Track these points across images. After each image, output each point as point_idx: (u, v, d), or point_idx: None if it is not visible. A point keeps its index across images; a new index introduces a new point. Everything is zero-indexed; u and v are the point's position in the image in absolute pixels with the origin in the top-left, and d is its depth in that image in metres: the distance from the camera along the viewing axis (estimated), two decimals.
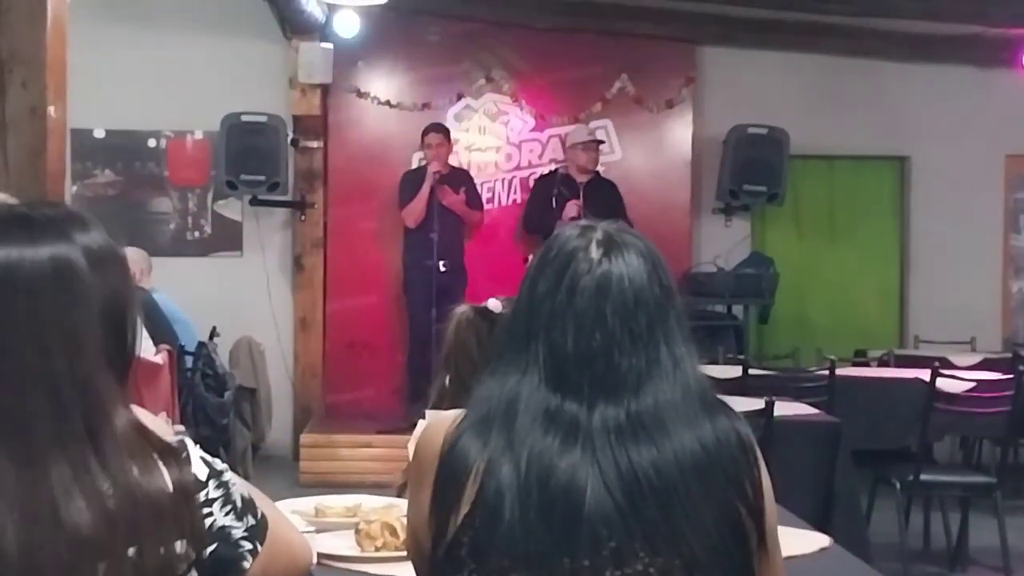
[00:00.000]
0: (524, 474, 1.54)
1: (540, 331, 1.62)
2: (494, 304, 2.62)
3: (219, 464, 1.48)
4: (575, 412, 1.58)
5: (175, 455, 1.44)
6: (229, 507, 1.46)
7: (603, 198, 7.95)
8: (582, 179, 8.11)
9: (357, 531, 2.31)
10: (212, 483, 1.45)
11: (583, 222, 1.72)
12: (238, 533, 1.46)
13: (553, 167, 8.48)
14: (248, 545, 1.47)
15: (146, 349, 5.82)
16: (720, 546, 1.57)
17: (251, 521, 1.48)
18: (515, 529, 1.53)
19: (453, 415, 1.66)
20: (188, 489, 1.42)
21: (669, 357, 1.62)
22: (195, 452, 1.46)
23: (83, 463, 1.36)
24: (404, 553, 1.90)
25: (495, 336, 2.53)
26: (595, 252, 1.65)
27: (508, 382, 1.62)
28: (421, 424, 2.38)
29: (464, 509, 1.55)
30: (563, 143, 8.54)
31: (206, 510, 1.43)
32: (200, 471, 1.45)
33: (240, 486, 1.49)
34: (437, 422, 1.69)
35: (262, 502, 1.54)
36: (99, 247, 1.47)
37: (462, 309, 2.69)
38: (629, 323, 1.61)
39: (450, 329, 2.68)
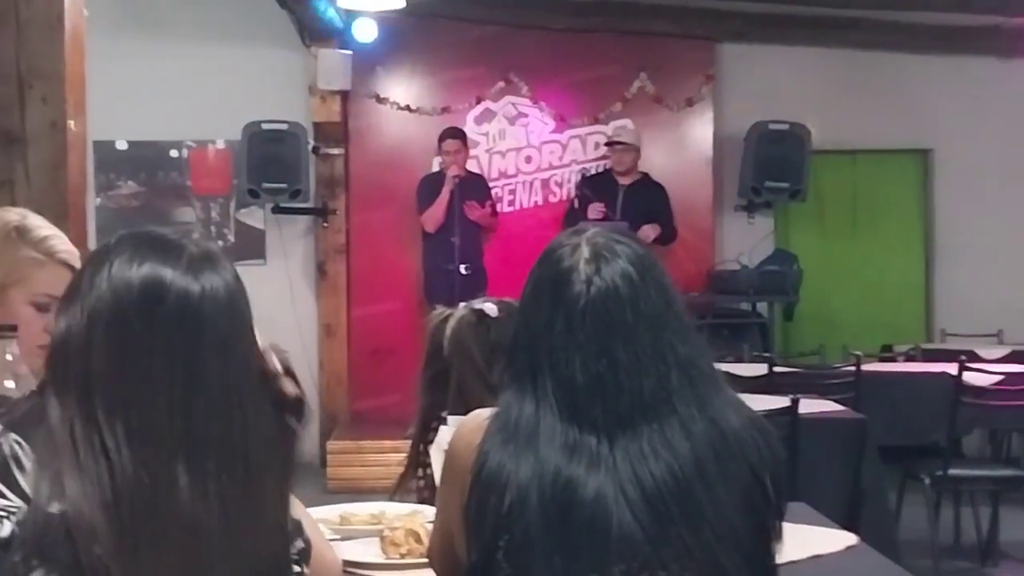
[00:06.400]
0: (550, 504, 1.53)
1: (544, 365, 1.60)
2: (491, 308, 2.60)
3: None
4: (595, 446, 1.56)
5: None
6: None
7: (642, 201, 7.94)
8: (624, 181, 8.11)
9: (382, 538, 2.31)
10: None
11: (571, 236, 1.69)
12: (292, 558, 1.46)
13: (575, 168, 8.52)
14: (297, 569, 1.47)
15: None
16: (750, 551, 1.57)
17: (300, 544, 1.47)
18: (544, 561, 1.53)
19: (479, 421, 1.66)
20: None
21: (676, 364, 1.60)
22: None
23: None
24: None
25: (493, 344, 2.52)
26: (585, 270, 1.62)
27: (526, 409, 1.60)
28: (444, 430, 2.38)
29: (500, 514, 1.56)
30: (583, 144, 8.56)
31: None
32: None
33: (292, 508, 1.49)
34: (467, 430, 1.69)
35: (304, 518, 1.54)
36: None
37: (460, 312, 2.66)
38: (632, 343, 1.59)
39: (449, 330, 2.65)
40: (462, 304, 2.72)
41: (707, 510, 1.54)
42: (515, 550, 1.54)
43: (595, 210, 7.84)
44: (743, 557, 1.56)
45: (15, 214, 2.35)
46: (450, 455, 1.70)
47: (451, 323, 2.66)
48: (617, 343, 1.59)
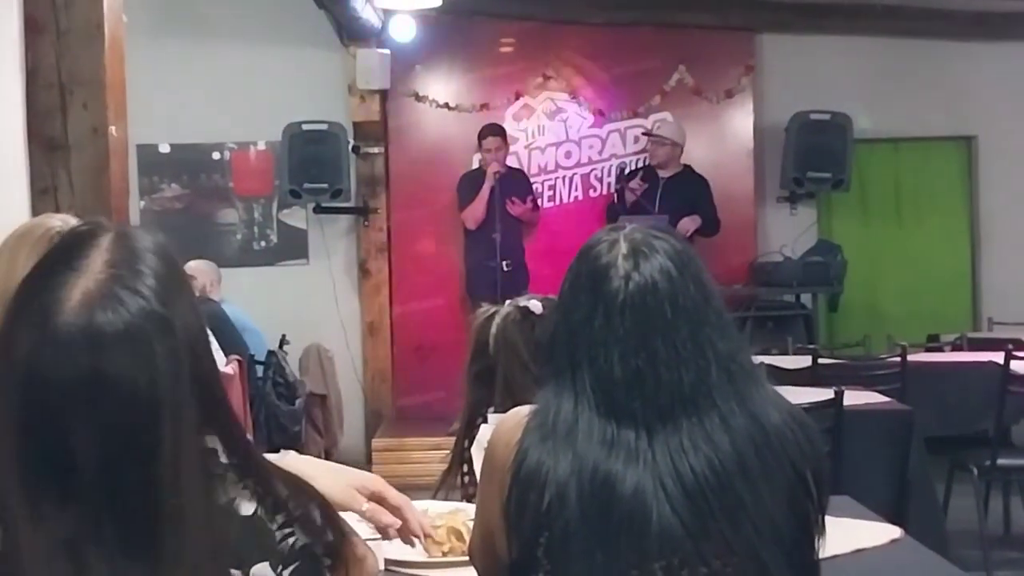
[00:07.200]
0: (589, 500, 1.54)
1: (583, 360, 1.60)
2: (535, 305, 2.64)
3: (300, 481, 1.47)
4: (633, 440, 1.56)
5: None
6: (310, 524, 1.44)
7: (683, 194, 7.94)
8: (664, 174, 8.10)
9: (424, 536, 2.32)
10: (292, 502, 1.43)
11: (609, 232, 1.69)
12: (319, 550, 1.46)
13: (615, 163, 8.51)
14: (328, 561, 1.47)
15: (217, 360, 5.90)
16: (791, 546, 1.57)
17: (330, 537, 1.47)
18: (584, 557, 1.53)
19: (518, 419, 1.66)
20: (267, 509, 1.40)
21: (715, 359, 1.60)
22: None
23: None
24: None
25: (538, 341, 2.54)
26: (623, 266, 1.62)
27: (564, 405, 1.60)
28: (484, 428, 2.39)
29: (539, 511, 1.56)
30: (623, 138, 8.55)
31: (287, 529, 1.41)
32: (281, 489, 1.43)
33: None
34: (506, 428, 1.69)
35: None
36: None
37: (505, 309, 2.70)
38: (671, 337, 1.59)
39: (494, 328, 2.68)
40: (507, 302, 2.75)
41: (748, 505, 1.54)
42: (555, 547, 1.54)
43: (633, 190, 7.85)
44: (784, 552, 1.56)
45: (58, 220, 2.38)
46: (489, 453, 1.70)
47: (496, 321, 2.69)
48: (656, 337, 1.59)
